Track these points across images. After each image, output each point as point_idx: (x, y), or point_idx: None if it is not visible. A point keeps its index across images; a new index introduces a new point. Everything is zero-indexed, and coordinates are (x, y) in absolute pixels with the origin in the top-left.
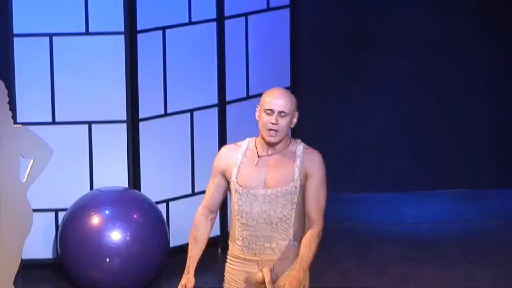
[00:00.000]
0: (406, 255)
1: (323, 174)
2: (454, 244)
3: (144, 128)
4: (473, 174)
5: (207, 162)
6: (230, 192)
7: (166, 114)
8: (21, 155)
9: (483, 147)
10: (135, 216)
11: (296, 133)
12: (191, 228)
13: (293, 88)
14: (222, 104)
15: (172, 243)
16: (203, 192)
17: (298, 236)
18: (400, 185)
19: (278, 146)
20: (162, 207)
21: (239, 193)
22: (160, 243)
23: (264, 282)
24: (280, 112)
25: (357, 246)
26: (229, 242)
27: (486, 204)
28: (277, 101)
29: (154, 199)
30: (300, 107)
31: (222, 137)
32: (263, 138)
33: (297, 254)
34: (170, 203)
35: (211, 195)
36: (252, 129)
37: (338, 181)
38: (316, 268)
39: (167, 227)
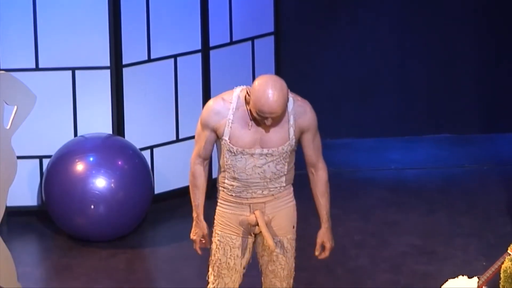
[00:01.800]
0: (390, 200)
1: (316, 123)
2: (437, 190)
3: (127, 74)
4: (457, 119)
5: (191, 108)
6: (218, 145)
7: (149, 60)
8: (5, 102)
9: (467, 92)
10: (119, 162)
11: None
12: (189, 178)
13: (276, 33)
14: (205, 50)
15: (157, 190)
16: (188, 138)
17: (290, 179)
18: (384, 130)
19: None
20: (146, 154)
21: (233, 152)
22: (144, 190)
23: (257, 224)
24: (268, 118)
25: (341, 192)
26: (218, 187)
27: (470, 149)
28: (270, 111)
29: (138, 145)
30: (283, 51)
31: (206, 83)
32: None
33: (288, 194)
34: (154, 150)
35: (202, 146)
36: (235, 74)
37: (321, 126)
38: (299, 214)
39: (151, 173)
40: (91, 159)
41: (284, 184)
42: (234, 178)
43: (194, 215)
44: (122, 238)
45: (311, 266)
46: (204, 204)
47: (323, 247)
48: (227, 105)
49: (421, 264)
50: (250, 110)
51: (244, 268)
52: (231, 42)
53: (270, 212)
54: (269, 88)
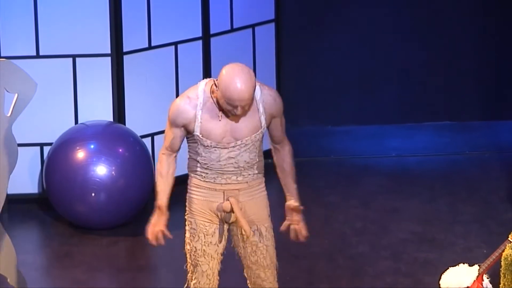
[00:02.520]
0: (391, 188)
1: (282, 108)
2: (438, 177)
3: (128, 61)
4: (458, 106)
5: None
6: (187, 136)
7: (150, 47)
8: (5, 89)
9: (467, 80)
10: (120, 150)
11: (280, 67)
12: (157, 168)
13: (277, 20)
14: (206, 37)
15: None
16: None
17: (261, 167)
18: (385, 118)
19: None
20: (147, 141)
21: (206, 145)
22: (145, 177)
23: (231, 211)
24: (244, 106)
25: (341, 179)
26: (190, 173)
27: (471, 136)
28: (240, 98)
29: (139, 133)
30: (284, 38)
31: (207, 70)
32: None
33: (260, 183)
34: (155, 137)
35: (171, 142)
36: (235, 61)
37: (322, 114)
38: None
39: (152, 161)
40: (92, 146)
41: (256, 171)
42: (207, 167)
43: (158, 202)
44: (123, 226)
45: (311, 254)
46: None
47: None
48: (193, 102)
49: (421, 251)
50: (218, 102)
51: (221, 255)
52: (232, 30)
53: (243, 199)
54: (236, 76)
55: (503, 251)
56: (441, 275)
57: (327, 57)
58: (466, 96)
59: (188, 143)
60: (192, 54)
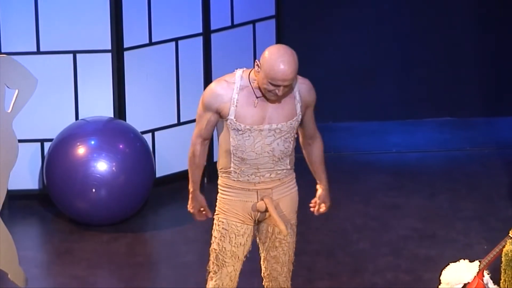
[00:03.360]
0: (391, 184)
1: (315, 98)
2: (439, 173)
3: (129, 57)
4: (459, 102)
5: (192, 91)
6: (220, 129)
7: (150, 43)
8: (6, 85)
9: (468, 76)
10: (120, 146)
11: None
12: (189, 156)
13: (277, 16)
14: (206, 33)
15: (158, 173)
16: (189, 121)
17: (293, 161)
18: (386, 114)
19: None
20: (147, 137)
21: (240, 129)
22: (146, 173)
23: (266, 211)
24: (285, 86)
25: (342, 175)
26: (221, 173)
27: (471, 132)
28: (283, 78)
29: (139, 129)
30: (285, 34)
31: (207, 66)
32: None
33: (292, 179)
34: (156, 133)
35: (204, 127)
36: (236, 58)
37: (323, 110)
38: (301, 197)
39: (153, 157)
40: (93, 142)
41: (289, 167)
42: (243, 159)
43: (191, 189)
44: (123, 222)
45: (312, 250)
46: (203, 187)
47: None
48: (230, 86)
49: (422, 247)
50: (257, 86)
51: (245, 257)
52: (232, 26)
53: (276, 197)
54: (281, 57)
55: (503, 247)
56: (441, 271)
57: (328, 53)
58: (466, 92)
59: (219, 134)
60: (193, 50)
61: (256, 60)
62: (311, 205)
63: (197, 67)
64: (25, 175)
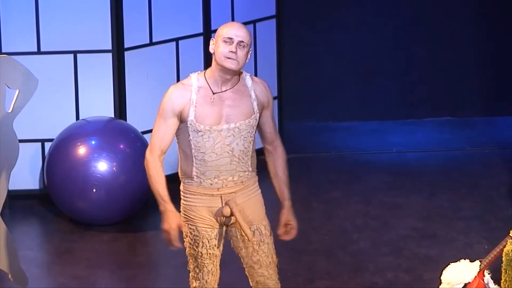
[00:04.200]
0: (392, 183)
1: (272, 101)
2: (439, 173)
3: (129, 57)
4: (459, 102)
5: None
6: (180, 135)
7: (151, 43)
8: (6, 86)
9: (468, 76)
10: (121, 146)
11: (281, 62)
12: (148, 170)
13: (278, 16)
14: (207, 33)
15: None
16: None
17: (254, 165)
18: (386, 113)
19: (232, 81)
20: (148, 137)
21: (200, 131)
22: (146, 174)
23: (231, 215)
24: (239, 42)
25: (342, 175)
26: (183, 179)
27: (471, 132)
28: (236, 32)
29: (140, 129)
30: (285, 34)
31: (208, 66)
32: (219, 70)
33: (255, 182)
34: None
35: (161, 138)
36: None
37: (323, 110)
38: (302, 197)
39: None
40: (93, 142)
41: (250, 169)
42: (204, 162)
43: (164, 206)
44: (124, 222)
45: (312, 250)
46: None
47: (286, 227)
48: (188, 88)
49: (422, 247)
50: (213, 80)
51: (221, 252)
52: None
53: (240, 201)
54: (231, 22)
55: (504, 246)
56: (442, 271)
57: (328, 53)
58: (467, 92)
59: (180, 144)
60: (193, 50)
61: (211, 39)
62: (278, 232)
63: (198, 67)
64: (26, 175)
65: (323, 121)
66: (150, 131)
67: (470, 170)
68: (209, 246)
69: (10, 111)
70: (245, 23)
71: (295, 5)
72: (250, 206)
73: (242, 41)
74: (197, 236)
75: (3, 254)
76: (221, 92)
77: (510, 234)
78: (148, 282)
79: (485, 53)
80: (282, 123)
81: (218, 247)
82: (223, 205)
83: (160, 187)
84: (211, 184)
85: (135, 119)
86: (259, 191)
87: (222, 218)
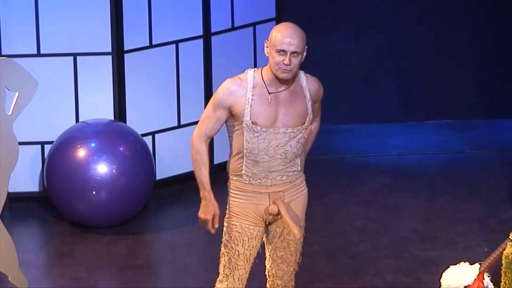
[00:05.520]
0: (392, 186)
1: (323, 93)
2: (439, 175)
3: (129, 60)
4: (459, 105)
5: (192, 94)
6: (232, 131)
7: (151, 45)
8: (6, 88)
9: (468, 78)
10: (121, 148)
11: None
12: (193, 155)
13: (278, 18)
14: (207, 36)
15: (158, 176)
16: (189, 124)
17: (303, 164)
18: (386, 116)
19: (288, 81)
20: (148, 140)
21: (256, 131)
22: (146, 176)
23: (278, 214)
24: (292, 53)
25: (343, 177)
26: (232, 176)
27: (472, 135)
28: (289, 41)
29: (140, 131)
30: None
31: (207, 69)
32: (274, 75)
33: (302, 181)
34: (156, 136)
35: (211, 126)
36: (236, 60)
37: (323, 112)
38: None
39: (153, 159)
40: (93, 145)
41: (299, 168)
42: (256, 162)
43: (204, 193)
44: (124, 224)
45: (312, 252)
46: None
47: None
48: (244, 84)
49: (422, 249)
50: (270, 80)
51: (254, 259)
52: (233, 28)
53: (287, 200)
54: (285, 25)
55: (504, 249)
56: (442, 274)
57: (327, 55)
58: (467, 94)
59: (231, 141)
60: (193, 52)
61: (265, 40)
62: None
63: (198, 69)
64: (26, 177)
65: (323, 124)
66: (150, 133)
67: (470, 172)
68: (248, 246)
69: (10, 113)
70: (245, 26)
71: (295, 8)
72: (295, 205)
73: (296, 51)
74: (238, 232)
75: (3, 256)
76: (278, 92)
77: (510, 237)
78: (148, 284)
79: (485, 55)
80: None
81: (254, 250)
82: (271, 203)
83: (202, 174)
84: (260, 182)
85: (135, 121)
86: (306, 190)
87: (268, 216)
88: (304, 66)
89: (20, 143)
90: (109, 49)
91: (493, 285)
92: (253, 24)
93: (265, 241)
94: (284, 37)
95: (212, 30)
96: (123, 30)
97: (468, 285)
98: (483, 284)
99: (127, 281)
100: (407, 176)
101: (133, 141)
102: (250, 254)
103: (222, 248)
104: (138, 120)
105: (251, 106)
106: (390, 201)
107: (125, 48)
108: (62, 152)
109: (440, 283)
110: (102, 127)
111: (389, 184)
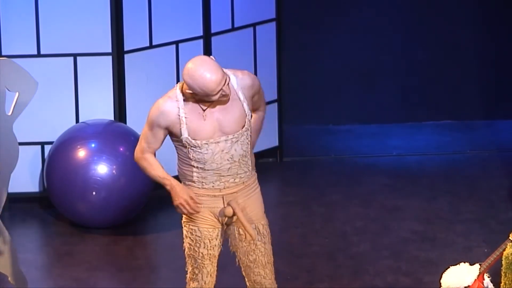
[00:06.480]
0: (392, 186)
1: (259, 82)
2: (439, 176)
3: (129, 60)
4: (459, 105)
5: None
6: (176, 144)
7: (151, 46)
8: (6, 88)
9: (468, 79)
10: (121, 149)
11: (281, 65)
12: (142, 167)
13: (278, 19)
14: (207, 36)
15: None
16: None
17: (253, 164)
18: (386, 116)
19: None
20: None
21: (197, 146)
22: (145, 177)
23: (233, 215)
24: (221, 89)
25: (342, 178)
26: (184, 181)
27: (472, 135)
28: (218, 83)
29: (140, 132)
30: (285, 37)
31: None
32: None
33: (254, 180)
34: None
35: (151, 144)
36: (237, 61)
37: (323, 112)
38: (302, 200)
39: None
40: (93, 145)
41: (250, 168)
42: (205, 170)
43: (167, 183)
44: (124, 225)
45: (312, 253)
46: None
47: None
48: (174, 104)
49: (422, 250)
50: (198, 101)
51: (219, 253)
52: (233, 29)
53: (241, 200)
54: (199, 67)
55: (504, 250)
56: (441, 274)
57: (328, 56)
58: (467, 95)
59: (177, 150)
60: (193, 53)
61: (184, 85)
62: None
63: None
64: (26, 178)
65: (323, 124)
66: None
67: (470, 173)
68: (210, 246)
69: (10, 113)
70: (245, 26)
71: (295, 8)
72: (250, 205)
73: (224, 85)
74: (199, 236)
75: (3, 256)
76: (210, 106)
77: (510, 237)
78: (148, 284)
79: (485, 56)
80: (282, 126)
81: (218, 248)
82: (225, 205)
83: (158, 171)
84: (213, 186)
85: (135, 122)
86: (259, 188)
87: (224, 218)
88: (304, 66)
89: (20, 144)
90: (109, 49)
91: (493, 285)
92: (253, 25)
93: (232, 250)
94: (213, 84)
95: (212, 31)
96: (123, 30)
97: (468, 285)
98: (483, 284)
99: (127, 282)
100: (407, 176)
101: (133, 141)
102: (214, 252)
103: (187, 250)
104: (138, 120)
105: (186, 124)
106: (390, 202)
107: (125, 49)
108: (62, 153)
109: (440, 283)
110: (102, 128)
111: (389, 184)
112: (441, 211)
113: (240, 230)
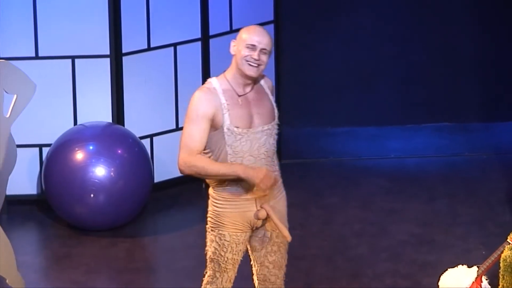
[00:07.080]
0: (390, 189)
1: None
2: (437, 178)
3: (127, 62)
4: (457, 108)
5: (190, 97)
6: (211, 139)
7: (149, 48)
8: (4, 90)
9: (467, 81)
10: (119, 151)
11: (279, 68)
12: (194, 171)
13: (276, 22)
14: (205, 38)
15: (156, 178)
16: None
17: (277, 162)
18: (385, 119)
19: (253, 81)
20: (146, 142)
21: (238, 134)
22: (144, 179)
23: (267, 217)
24: (262, 49)
25: (341, 180)
26: (214, 186)
27: (470, 138)
28: (260, 38)
29: (138, 134)
30: (283, 39)
31: (206, 71)
32: (240, 74)
33: (280, 181)
34: (154, 138)
35: (199, 141)
36: None
37: (321, 115)
38: (301, 203)
39: (151, 162)
40: (91, 147)
41: (277, 167)
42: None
43: (241, 168)
44: (122, 227)
45: (310, 255)
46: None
47: None
48: (213, 91)
49: (420, 253)
50: (236, 81)
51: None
52: (231, 31)
53: (272, 202)
54: (256, 26)
55: (502, 252)
56: (440, 277)
57: (326, 58)
58: (465, 97)
59: (210, 149)
60: (191, 55)
61: (232, 40)
62: None
63: (196, 72)
64: (24, 180)
65: (321, 127)
66: (148, 136)
67: (468, 175)
68: (236, 251)
69: (8, 116)
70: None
71: (293, 10)
72: (278, 206)
73: (265, 49)
74: (227, 241)
75: (1, 259)
76: (246, 94)
77: (508, 240)
78: (146, 287)
79: (484, 59)
80: (280, 129)
81: (242, 253)
82: (258, 208)
83: (218, 164)
84: (248, 188)
85: (133, 124)
86: (284, 191)
87: (256, 221)
88: (302, 68)
89: (18, 146)
90: (107, 51)
91: None
92: None
93: (251, 249)
94: (255, 34)
95: (210, 33)
96: (121, 32)
97: None
98: (481, 287)
99: (126, 284)
100: (406, 179)
101: (131, 143)
102: (238, 257)
103: (211, 255)
104: (136, 122)
105: (228, 110)
106: (389, 204)
107: (123, 51)
108: (60, 155)
109: (438, 286)
110: (100, 130)
111: (387, 187)
112: (440, 214)
113: (266, 233)
